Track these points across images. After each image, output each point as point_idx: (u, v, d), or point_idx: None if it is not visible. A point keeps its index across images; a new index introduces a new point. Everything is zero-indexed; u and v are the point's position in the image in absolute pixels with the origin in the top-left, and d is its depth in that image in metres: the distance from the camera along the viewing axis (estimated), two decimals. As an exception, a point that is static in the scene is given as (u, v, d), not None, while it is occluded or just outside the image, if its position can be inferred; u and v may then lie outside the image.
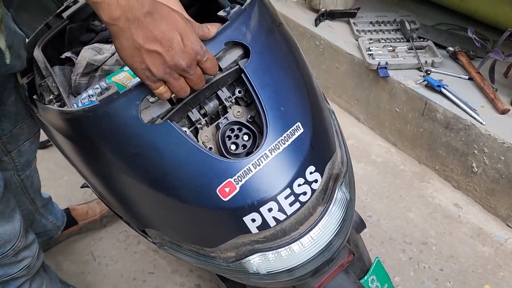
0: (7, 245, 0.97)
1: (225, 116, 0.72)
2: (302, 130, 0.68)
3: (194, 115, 0.69)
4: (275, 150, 0.66)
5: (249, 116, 0.72)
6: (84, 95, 1.06)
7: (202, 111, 0.70)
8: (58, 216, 1.43)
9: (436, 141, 1.60)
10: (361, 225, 0.95)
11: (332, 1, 1.96)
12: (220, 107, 0.72)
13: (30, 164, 1.18)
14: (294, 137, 0.67)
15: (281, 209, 0.66)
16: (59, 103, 0.79)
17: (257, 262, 0.70)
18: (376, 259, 0.95)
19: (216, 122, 0.72)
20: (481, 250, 1.43)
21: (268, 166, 0.65)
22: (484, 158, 1.45)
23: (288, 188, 0.66)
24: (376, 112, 1.81)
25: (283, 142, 0.66)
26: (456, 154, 1.55)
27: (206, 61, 0.62)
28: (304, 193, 0.67)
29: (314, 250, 0.71)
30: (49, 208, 1.38)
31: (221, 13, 0.70)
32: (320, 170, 0.69)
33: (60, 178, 1.78)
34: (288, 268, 0.71)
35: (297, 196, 0.67)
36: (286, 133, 0.67)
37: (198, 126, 0.70)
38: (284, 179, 0.66)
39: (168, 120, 0.65)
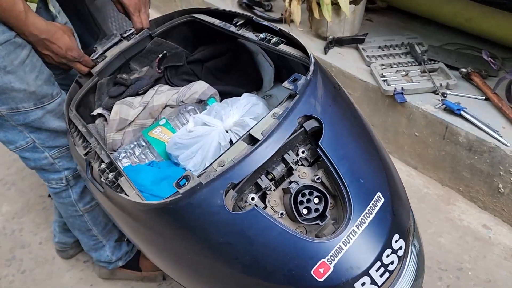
0: None
1: (289, 178, 0.71)
2: (383, 199, 0.68)
3: (264, 181, 0.68)
4: (362, 225, 0.65)
5: (316, 177, 0.70)
6: (121, 152, 1.04)
7: (270, 176, 0.69)
8: None
9: (459, 164, 1.60)
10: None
11: (339, 28, 1.98)
12: (285, 169, 0.71)
13: None
14: (377, 208, 0.67)
15: (373, 282, 0.65)
16: (114, 173, 0.77)
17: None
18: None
19: (282, 186, 0.70)
20: (517, 272, 1.42)
21: (357, 242, 0.64)
22: (511, 179, 1.45)
23: (378, 261, 0.65)
24: (394, 137, 1.81)
25: (367, 215, 0.66)
26: (481, 175, 1.55)
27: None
28: (392, 262, 0.67)
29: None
30: None
31: (286, 85, 0.70)
32: (403, 236, 0.69)
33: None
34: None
35: (386, 266, 0.66)
36: (369, 205, 0.66)
37: (268, 192, 0.68)
38: (374, 253, 0.66)
39: (254, 207, 0.64)
